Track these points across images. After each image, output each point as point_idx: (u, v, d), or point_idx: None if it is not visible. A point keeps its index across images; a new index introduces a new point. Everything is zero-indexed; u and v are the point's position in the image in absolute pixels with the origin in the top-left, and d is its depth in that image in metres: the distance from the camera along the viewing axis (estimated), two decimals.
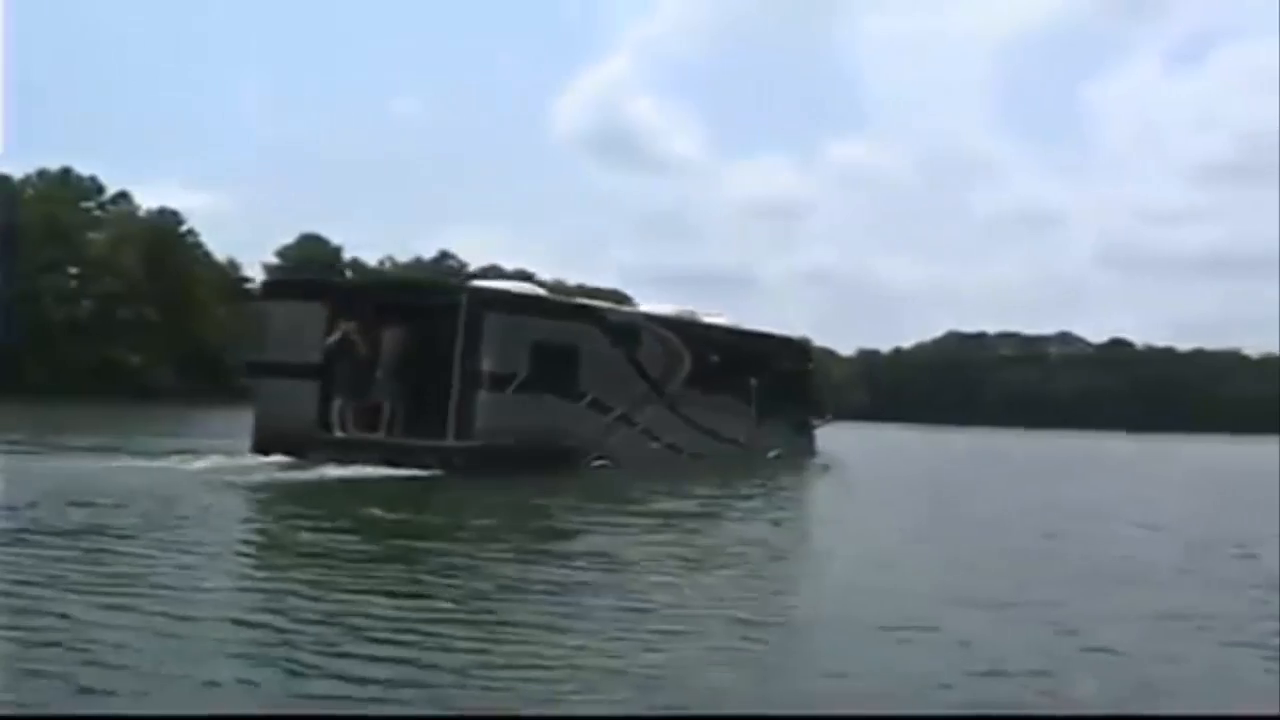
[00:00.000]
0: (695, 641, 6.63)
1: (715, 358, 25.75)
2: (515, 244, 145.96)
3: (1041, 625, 7.51)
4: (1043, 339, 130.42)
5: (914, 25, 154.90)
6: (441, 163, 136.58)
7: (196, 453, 17.90)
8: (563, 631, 6.71)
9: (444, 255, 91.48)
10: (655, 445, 22.49)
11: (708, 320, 26.67)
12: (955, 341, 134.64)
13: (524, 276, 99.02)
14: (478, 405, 18.08)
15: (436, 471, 17.06)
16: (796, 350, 31.16)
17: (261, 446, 18.52)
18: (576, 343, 20.65)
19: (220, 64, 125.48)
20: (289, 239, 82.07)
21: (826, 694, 5.71)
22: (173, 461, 16.90)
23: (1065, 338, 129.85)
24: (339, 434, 18.32)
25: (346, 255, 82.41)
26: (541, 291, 22.64)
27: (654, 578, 8.94)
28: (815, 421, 31.10)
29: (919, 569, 10.21)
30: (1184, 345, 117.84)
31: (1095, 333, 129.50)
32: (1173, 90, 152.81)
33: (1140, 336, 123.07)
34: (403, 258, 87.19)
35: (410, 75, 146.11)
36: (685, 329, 25.04)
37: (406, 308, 18.83)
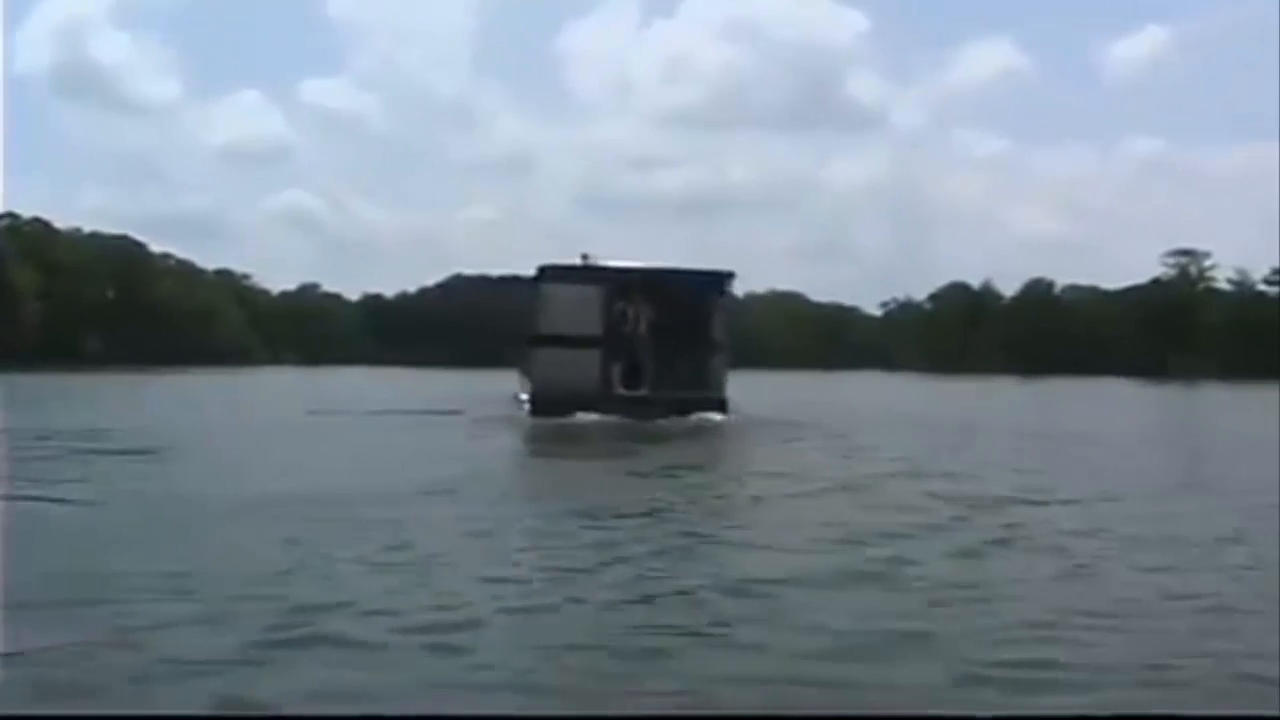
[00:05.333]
0: None
1: None
2: None
3: None
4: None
5: None
6: None
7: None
8: None
9: None
10: None
11: None
12: (463, 284, 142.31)
13: (43, 225, 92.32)
14: (719, 367, 23.81)
15: (719, 417, 22.71)
16: None
17: (543, 408, 22.65)
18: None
19: None
20: None
21: (826, 693, 5.97)
22: None
23: None
24: (621, 391, 23.03)
25: None
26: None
27: None
28: None
29: None
30: None
31: None
32: (647, 40, 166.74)
33: None
34: None
35: None
36: None
37: (658, 288, 23.77)
